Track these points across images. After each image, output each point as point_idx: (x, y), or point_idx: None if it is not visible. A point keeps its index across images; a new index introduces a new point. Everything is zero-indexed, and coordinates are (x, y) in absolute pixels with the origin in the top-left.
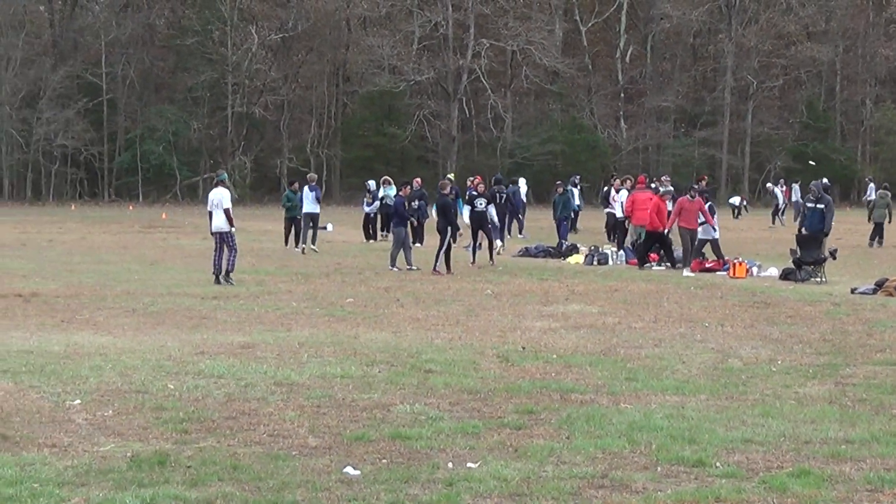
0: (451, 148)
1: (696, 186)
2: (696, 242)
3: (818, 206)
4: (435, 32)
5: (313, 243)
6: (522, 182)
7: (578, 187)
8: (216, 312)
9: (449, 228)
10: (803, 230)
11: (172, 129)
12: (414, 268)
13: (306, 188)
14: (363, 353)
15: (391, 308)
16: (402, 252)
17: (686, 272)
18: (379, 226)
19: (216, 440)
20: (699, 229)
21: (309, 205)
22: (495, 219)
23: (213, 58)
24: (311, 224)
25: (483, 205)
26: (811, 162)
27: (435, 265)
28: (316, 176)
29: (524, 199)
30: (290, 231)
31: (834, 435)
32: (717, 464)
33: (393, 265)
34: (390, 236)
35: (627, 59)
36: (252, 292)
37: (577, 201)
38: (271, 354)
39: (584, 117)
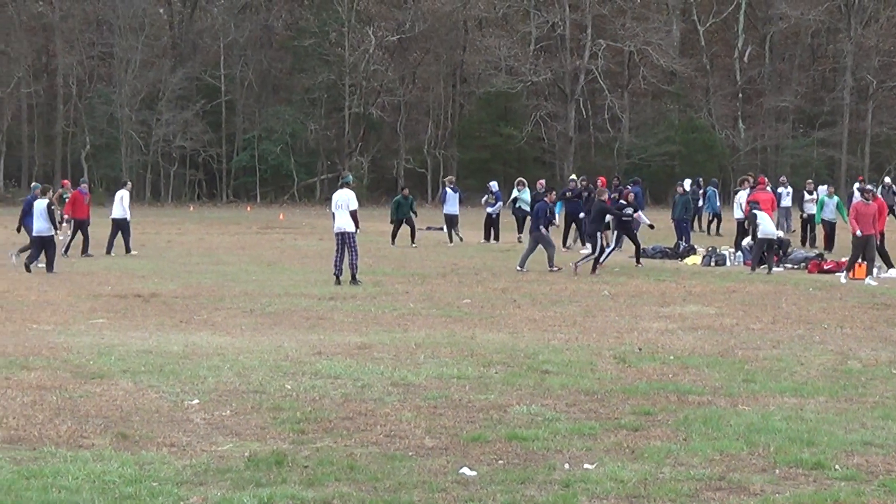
0: (567, 149)
1: (869, 188)
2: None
3: None
4: (552, 33)
5: (453, 240)
6: (687, 183)
7: (715, 190)
8: (333, 313)
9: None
10: None
11: (289, 131)
12: (525, 270)
13: (449, 190)
14: (480, 353)
15: (508, 309)
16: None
17: (843, 279)
18: (516, 228)
19: (333, 440)
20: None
21: (453, 206)
22: (646, 220)
23: (331, 59)
24: (453, 223)
25: (631, 212)
26: None
27: (598, 262)
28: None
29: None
30: (398, 230)
31: None
32: (836, 466)
33: (551, 266)
34: (524, 239)
35: (746, 59)
36: (369, 293)
37: (718, 202)
38: (388, 355)
39: (702, 118)
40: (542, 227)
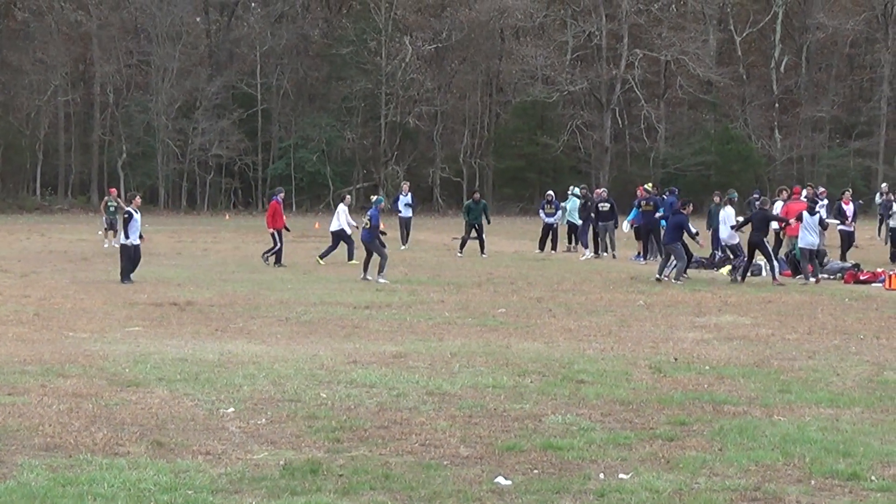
0: (603, 158)
1: None
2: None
3: None
4: (589, 43)
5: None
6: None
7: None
8: (368, 322)
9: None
10: None
11: (326, 139)
12: (677, 280)
13: (402, 196)
14: (515, 363)
15: (543, 318)
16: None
17: None
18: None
19: (368, 449)
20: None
21: (408, 211)
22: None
23: (368, 68)
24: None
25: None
26: None
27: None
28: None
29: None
30: (468, 237)
31: None
32: (872, 477)
33: (679, 278)
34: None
35: (782, 68)
36: (404, 302)
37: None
38: (423, 364)
39: (738, 128)
40: (674, 240)
